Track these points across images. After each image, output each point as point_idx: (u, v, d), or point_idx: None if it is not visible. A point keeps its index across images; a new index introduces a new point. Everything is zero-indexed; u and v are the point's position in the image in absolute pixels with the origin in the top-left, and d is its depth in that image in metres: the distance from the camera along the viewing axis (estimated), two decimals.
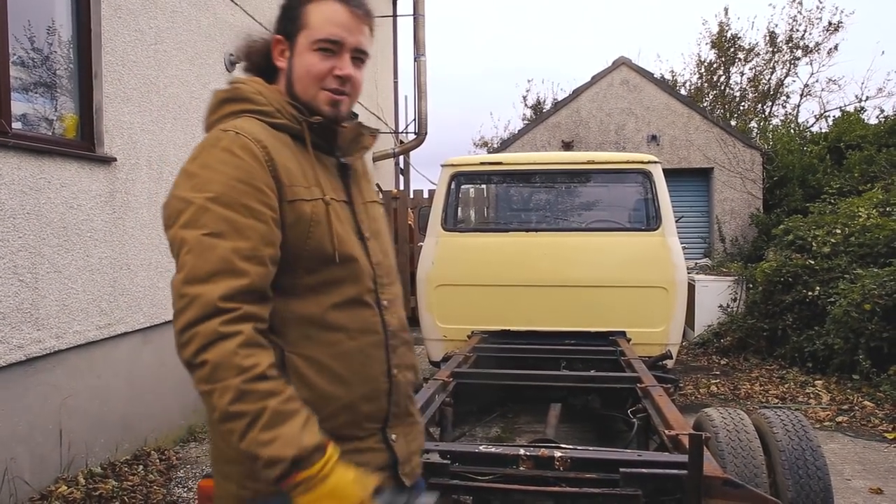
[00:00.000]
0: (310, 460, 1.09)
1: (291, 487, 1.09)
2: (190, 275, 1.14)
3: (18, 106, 3.62)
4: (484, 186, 5.95)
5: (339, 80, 1.30)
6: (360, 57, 1.33)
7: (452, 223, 5.27)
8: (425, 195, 9.19)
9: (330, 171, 1.34)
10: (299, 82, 1.31)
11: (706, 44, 18.96)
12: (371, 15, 1.35)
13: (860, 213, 7.42)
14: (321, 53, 1.29)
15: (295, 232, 1.22)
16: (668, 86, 12.83)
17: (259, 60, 1.39)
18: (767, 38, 16.27)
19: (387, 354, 1.32)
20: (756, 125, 15.46)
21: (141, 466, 4.05)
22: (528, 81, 29.60)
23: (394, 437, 1.34)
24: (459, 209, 5.91)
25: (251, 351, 1.11)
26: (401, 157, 12.09)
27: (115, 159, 4.08)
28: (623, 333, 4.71)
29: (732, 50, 16.62)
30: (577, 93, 11.72)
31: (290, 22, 1.33)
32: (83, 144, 3.92)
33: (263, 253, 1.17)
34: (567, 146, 11.41)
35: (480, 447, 2.20)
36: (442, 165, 5.30)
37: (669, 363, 4.73)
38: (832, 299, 6.48)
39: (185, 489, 3.91)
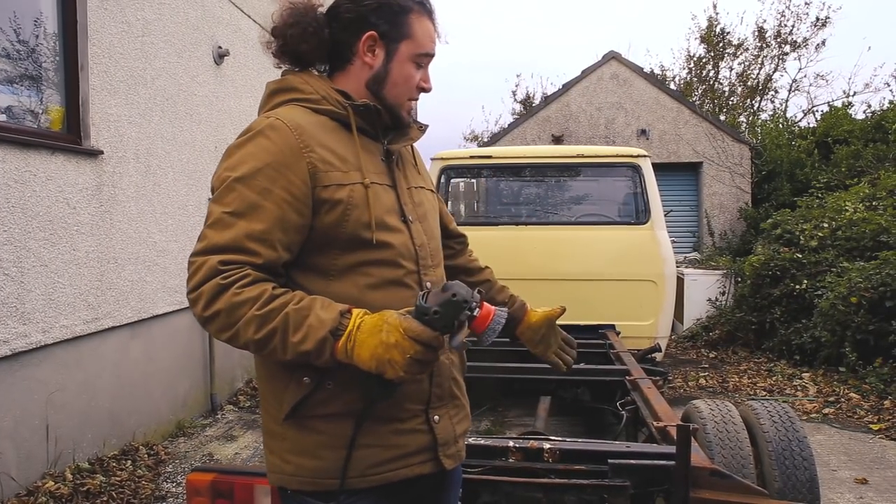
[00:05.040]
0: (342, 324, 1.17)
1: (344, 355, 1.17)
2: (205, 247, 1.21)
3: (3, 98, 3.58)
4: (474, 180, 5.95)
5: (420, 91, 1.42)
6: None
7: None
8: None
9: (375, 155, 1.38)
10: (395, 87, 1.38)
11: (695, 39, 18.99)
12: None
13: (847, 208, 7.48)
14: (416, 66, 1.39)
15: (331, 216, 1.26)
16: (657, 80, 12.85)
17: (295, 45, 1.38)
18: (756, 33, 16.33)
19: None
20: (745, 120, 15.54)
21: (129, 462, 4.03)
22: (517, 76, 29.60)
23: (436, 418, 1.35)
24: (449, 203, 5.90)
25: (255, 285, 1.19)
26: None
27: (101, 152, 4.04)
28: (612, 327, 4.73)
29: (721, 45, 16.65)
30: (566, 87, 11.71)
31: (392, 27, 1.36)
32: (69, 137, 3.88)
33: (274, 237, 1.22)
34: (557, 140, 11.41)
35: (469, 439, 2.20)
36: (432, 159, 5.29)
37: (658, 356, 4.74)
38: (819, 292, 6.53)
39: (174, 484, 3.90)
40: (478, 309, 1.17)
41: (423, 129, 1.51)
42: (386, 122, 1.40)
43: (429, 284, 1.35)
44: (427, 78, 1.42)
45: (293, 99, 1.35)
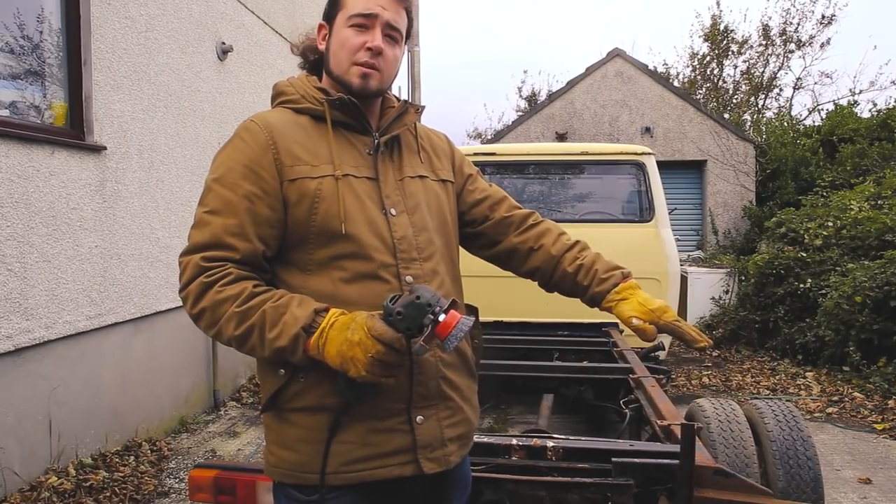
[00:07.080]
0: (316, 321, 1.20)
1: (316, 352, 1.19)
2: (189, 247, 1.28)
3: (6, 93, 3.58)
4: None
5: (370, 53, 1.34)
6: (392, 35, 1.37)
7: None
8: None
9: (357, 148, 1.38)
10: (334, 57, 1.38)
11: (699, 36, 18.96)
12: None
13: (852, 206, 7.45)
14: (355, 29, 1.35)
15: (300, 208, 1.29)
16: (662, 78, 12.82)
17: (313, 57, 1.48)
18: (760, 31, 16.30)
19: None
20: (749, 118, 15.50)
21: (132, 457, 4.04)
22: (524, 72, 29.55)
23: (420, 419, 1.32)
24: None
25: (236, 283, 1.23)
26: None
27: (104, 148, 4.03)
28: (616, 324, 4.71)
29: (725, 43, 16.62)
30: (571, 84, 11.70)
31: (330, 7, 1.41)
32: (72, 133, 3.88)
33: (249, 230, 1.27)
34: (561, 137, 11.39)
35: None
36: None
37: (662, 354, 4.72)
38: (823, 292, 6.51)
39: (177, 480, 3.90)
40: (443, 314, 1.15)
41: (419, 111, 1.48)
42: (388, 115, 1.42)
43: (409, 279, 1.32)
44: (373, 37, 1.34)
45: (281, 102, 1.41)
